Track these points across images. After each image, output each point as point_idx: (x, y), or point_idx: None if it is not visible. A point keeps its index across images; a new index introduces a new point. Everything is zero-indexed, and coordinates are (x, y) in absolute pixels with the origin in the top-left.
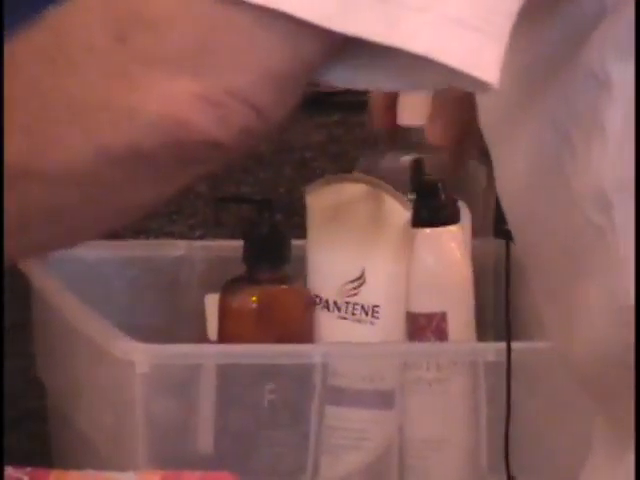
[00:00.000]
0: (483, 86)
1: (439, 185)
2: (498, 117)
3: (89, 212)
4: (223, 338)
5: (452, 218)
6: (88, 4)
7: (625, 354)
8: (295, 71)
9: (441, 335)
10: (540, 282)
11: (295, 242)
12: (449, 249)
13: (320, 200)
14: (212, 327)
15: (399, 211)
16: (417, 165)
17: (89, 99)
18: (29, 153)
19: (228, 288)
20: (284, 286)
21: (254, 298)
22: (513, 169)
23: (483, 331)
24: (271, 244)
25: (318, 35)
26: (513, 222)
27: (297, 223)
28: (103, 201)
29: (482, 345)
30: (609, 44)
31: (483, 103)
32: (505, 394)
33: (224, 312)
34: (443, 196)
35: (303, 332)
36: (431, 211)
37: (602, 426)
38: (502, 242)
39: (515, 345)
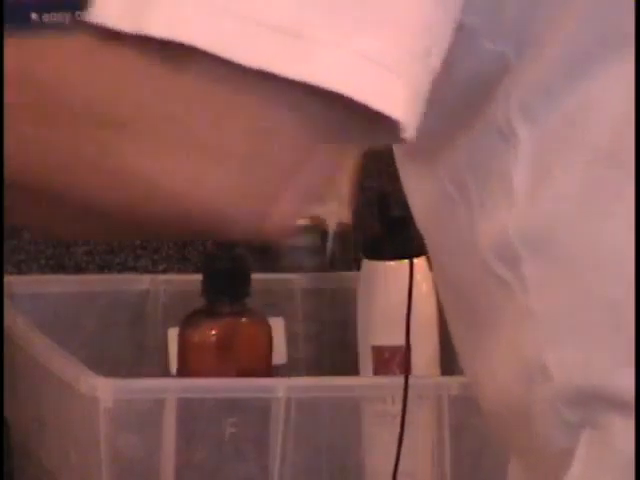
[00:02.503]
0: (396, 134)
1: (405, 218)
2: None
3: None
4: (184, 372)
5: (417, 251)
6: None
7: (526, 409)
8: None
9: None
10: (450, 323)
11: (257, 275)
12: (414, 282)
13: None
14: (174, 361)
15: None
16: (384, 199)
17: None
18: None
19: (188, 322)
20: (244, 319)
21: (214, 332)
22: (418, 204)
23: (450, 364)
24: (231, 277)
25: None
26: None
27: (259, 257)
28: None
29: (446, 379)
30: (514, 102)
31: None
32: (471, 428)
33: (184, 346)
34: (408, 230)
35: (263, 364)
36: (396, 244)
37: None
38: None
39: None
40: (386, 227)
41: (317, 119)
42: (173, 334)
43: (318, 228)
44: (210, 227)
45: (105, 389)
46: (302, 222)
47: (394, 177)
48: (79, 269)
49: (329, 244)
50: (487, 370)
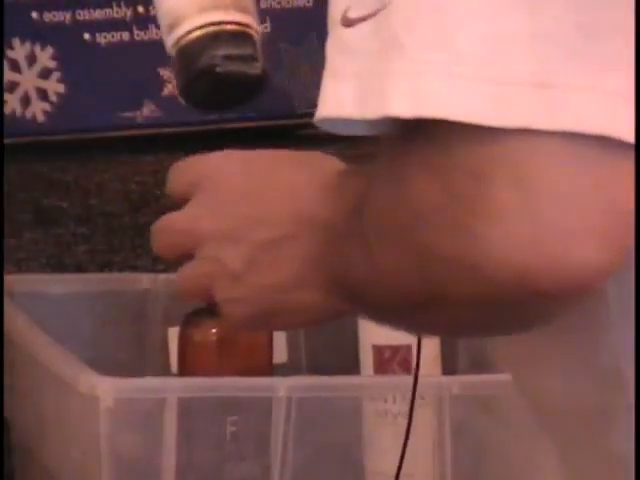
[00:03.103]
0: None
1: None
2: None
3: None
4: (184, 371)
5: None
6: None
7: (598, 414)
8: None
9: (407, 367)
10: None
11: None
12: None
13: None
14: (175, 360)
15: None
16: None
17: (434, 251)
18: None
19: (188, 321)
20: None
21: (214, 331)
22: None
23: (451, 363)
24: None
25: None
26: None
27: None
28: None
29: (447, 378)
30: None
31: None
32: (472, 428)
33: (185, 345)
34: None
35: (264, 363)
36: None
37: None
38: None
39: (480, 377)
40: None
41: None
42: (173, 333)
43: (246, 35)
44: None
45: (105, 388)
46: (230, 28)
47: None
48: (79, 268)
49: (259, 51)
50: (556, 372)
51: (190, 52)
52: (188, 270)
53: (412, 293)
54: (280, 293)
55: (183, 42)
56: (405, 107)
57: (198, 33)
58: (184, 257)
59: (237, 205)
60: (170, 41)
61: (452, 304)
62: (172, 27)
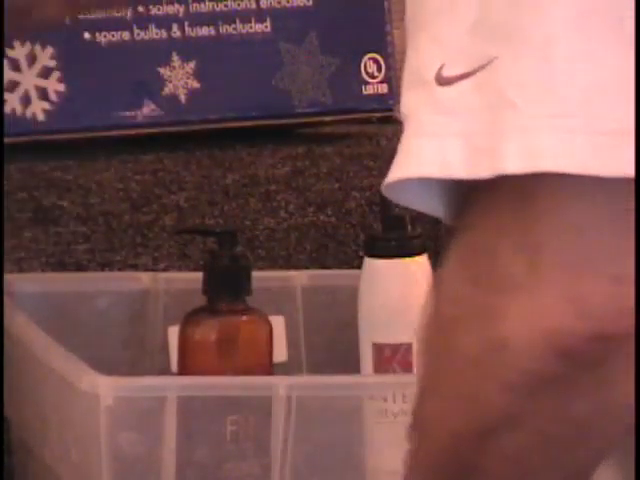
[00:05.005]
0: None
1: (406, 217)
2: None
3: None
4: (184, 370)
5: (418, 249)
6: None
7: None
8: None
9: (407, 366)
10: None
11: (258, 274)
12: (415, 280)
13: None
14: (175, 359)
15: None
16: (384, 197)
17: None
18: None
19: (188, 320)
20: (245, 317)
21: (214, 330)
22: None
23: None
24: (232, 275)
25: None
26: None
27: (260, 255)
28: None
29: None
30: None
31: None
32: None
33: (185, 344)
34: (409, 228)
35: (264, 362)
36: (398, 242)
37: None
38: None
39: None
40: (387, 226)
41: None
42: (173, 332)
43: None
44: None
45: (106, 387)
46: None
47: None
48: (79, 267)
49: None
50: None
51: None
52: None
53: None
54: None
55: None
56: (521, 163)
57: None
58: None
59: None
60: None
61: None
62: None
